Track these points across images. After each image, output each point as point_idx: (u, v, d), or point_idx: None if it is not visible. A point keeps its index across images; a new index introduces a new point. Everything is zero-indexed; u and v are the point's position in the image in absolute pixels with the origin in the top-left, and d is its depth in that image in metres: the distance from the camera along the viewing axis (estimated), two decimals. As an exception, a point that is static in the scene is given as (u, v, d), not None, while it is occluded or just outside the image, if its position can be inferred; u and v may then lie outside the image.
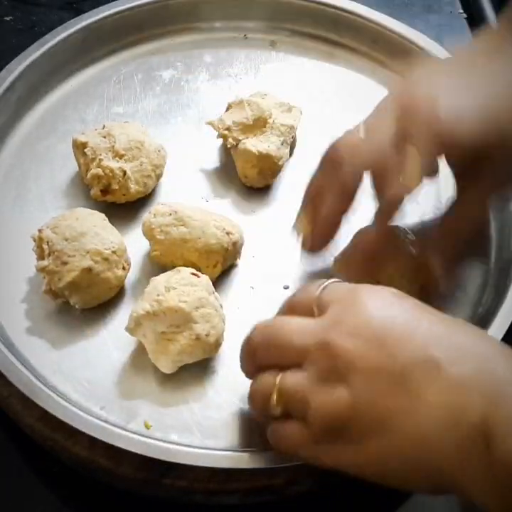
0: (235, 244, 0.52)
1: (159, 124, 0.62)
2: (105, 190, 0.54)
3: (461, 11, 0.76)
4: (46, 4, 0.75)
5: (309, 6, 0.67)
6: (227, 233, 0.51)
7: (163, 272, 0.50)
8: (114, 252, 0.49)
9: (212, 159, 0.60)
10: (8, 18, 0.74)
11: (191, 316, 0.46)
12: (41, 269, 0.49)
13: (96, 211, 0.52)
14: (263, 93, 0.59)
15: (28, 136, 0.60)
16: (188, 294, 0.47)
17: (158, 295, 0.47)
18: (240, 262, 0.54)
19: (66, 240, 0.48)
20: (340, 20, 0.67)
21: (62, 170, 0.58)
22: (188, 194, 0.58)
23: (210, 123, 0.58)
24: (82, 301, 0.49)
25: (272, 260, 0.55)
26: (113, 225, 0.52)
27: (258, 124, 0.56)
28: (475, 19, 0.75)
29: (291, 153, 0.60)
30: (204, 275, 0.49)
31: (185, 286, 0.47)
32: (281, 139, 0.57)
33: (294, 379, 0.40)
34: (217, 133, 0.58)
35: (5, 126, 0.59)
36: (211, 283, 0.49)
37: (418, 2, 0.77)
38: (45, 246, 0.49)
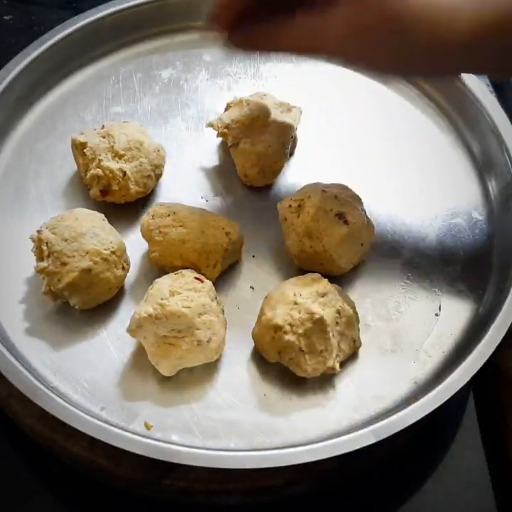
0: (234, 244, 0.52)
1: (158, 123, 0.61)
2: (105, 191, 0.53)
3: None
4: (46, 3, 0.75)
5: (309, 5, 0.67)
6: (226, 233, 0.51)
7: (163, 272, 0.50)
8: (113, 253, 0.49)
9: (212, 158, 0.60)
10: (7, 18, 0.74)
11: (193, 322, 0.46)
12: (40, 271, 0.49)
13: (95, 211, 0.52)
14: (262, 93, 0.59)
15: (27, 136, 0.60)
16: (192, 299, 0.47)
17: (161, 299, 0.46)
18: (239, 261, 0.54)
19: (65, 240, 0.48)
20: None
21: (62, 170, 0.58)
22: (188, 194, 0.58)
23: (209, 125, 0.58)
24: (81, 301, 0.49)
25: (272, 260, 0.55)
26: (112, 225, 0.52)
27: (257, 123, 0.56)
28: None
29: (291, 153, 0.60)
30: (207, 280, 0.49)
31: (189, 292, 0.47)
32: (281, 138, 0.57)
33: None
34: (216, 132, 0.58)
35: (4, 125, 0.59)
36: (214, 288, 0.49)
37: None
38: (44, 247, 0.49)
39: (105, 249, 0.49)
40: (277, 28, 0.46)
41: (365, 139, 0.61)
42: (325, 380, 0.49)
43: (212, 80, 0.65)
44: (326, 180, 0.54)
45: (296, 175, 0.59)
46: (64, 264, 0.48)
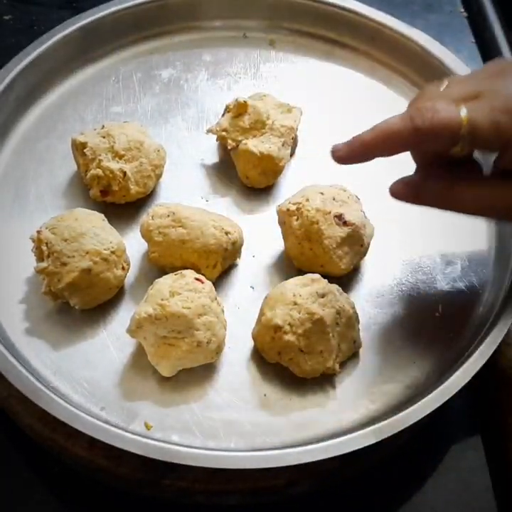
0: (234, 244, 0.52)
1: (158, 123, 0.61)
2: (105, 191, 0.53)
3: (462, 9, 0.76)
4: (46, 3, 0.75)
5: (308, 5, 0.67)
6: (226, 233, 0.51)
7: (163, 272, 0.50)
8: (113, 252, 0.49)
9: (212, 158, 0.60)
10: (7, 17, 0.73)
11: (193, 322, 0.46)
12: (40, 271, 0.49)
13: (95, 211, 0.52)
14: (262, 94, 0.59)
15: (27, 136, 0.60)
16: (192, 300, 0.47)
17: (162, 299, 0.46)
18: (239, 261, 0.54)
19: (65, 240, 0.48)
20: (339, 19, 0.67)
21: (62, 170, 0.58)
22: (188, 194, 0.58)
23: (209, 131, 0.58)
24: (81, 301, 0.49)
25: (272, 260, 0.55)
26: (112, 225, 0.52)
27: (256, 126, 0.56)
28: (475, 18, 0.75)
29: (292, 154, 0.60)
30: (208, 281, 0.49)
31: (189, 292, 0.47)
32: (282, 139, 0.57)
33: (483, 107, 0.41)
34: (216, 137, 0.58)
35: (4, 125, 0.59)
36: (214, 289, 0.49)
37: (418, 1, 0.77)
38: (44, 247, 0.49)
39: (105, 249, 0.49)
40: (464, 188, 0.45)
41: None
42: (325, 380, 0.49)
43: (212, 79, 0.65)
44: (327, 180, 0.54)
45: (297, 175, 0.59)
46: (64, 264, 0.48)
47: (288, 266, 0.54)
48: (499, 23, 0.74)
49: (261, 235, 0.55)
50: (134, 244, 0.53)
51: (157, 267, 0.52)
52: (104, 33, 0.64)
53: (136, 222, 0.55)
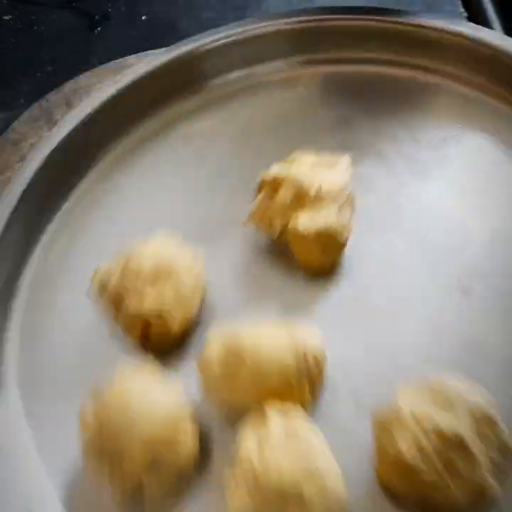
0: (316, 362, 0.41)
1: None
2: (144, 336, 0.43)
3: (462, 9, 0.72)
4: (46, 3, 0.74)
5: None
6: (304, 354, 0.40)
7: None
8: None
9: (256, 251, 0.49)
10: (7, 18, 0.73)
11: None
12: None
13: (141, 364, 0.41)
14: (299, 153, 0.48)
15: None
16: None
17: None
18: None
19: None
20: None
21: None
22: (240, 303, 0.47)
23: (248, 221, 0.47)
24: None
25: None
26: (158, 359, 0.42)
27: (300, 198, 0.45)
28: (476, 18, 0.70)
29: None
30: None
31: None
32: (336, 205, 0.45)
33: None
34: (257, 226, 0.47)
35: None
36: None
37: (418, 1, 0.74)
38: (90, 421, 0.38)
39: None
40: None
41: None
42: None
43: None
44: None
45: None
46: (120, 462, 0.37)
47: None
48: (499, 23, 0.68)
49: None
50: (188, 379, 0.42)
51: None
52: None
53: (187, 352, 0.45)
